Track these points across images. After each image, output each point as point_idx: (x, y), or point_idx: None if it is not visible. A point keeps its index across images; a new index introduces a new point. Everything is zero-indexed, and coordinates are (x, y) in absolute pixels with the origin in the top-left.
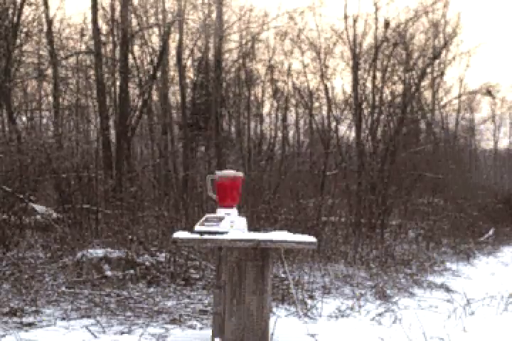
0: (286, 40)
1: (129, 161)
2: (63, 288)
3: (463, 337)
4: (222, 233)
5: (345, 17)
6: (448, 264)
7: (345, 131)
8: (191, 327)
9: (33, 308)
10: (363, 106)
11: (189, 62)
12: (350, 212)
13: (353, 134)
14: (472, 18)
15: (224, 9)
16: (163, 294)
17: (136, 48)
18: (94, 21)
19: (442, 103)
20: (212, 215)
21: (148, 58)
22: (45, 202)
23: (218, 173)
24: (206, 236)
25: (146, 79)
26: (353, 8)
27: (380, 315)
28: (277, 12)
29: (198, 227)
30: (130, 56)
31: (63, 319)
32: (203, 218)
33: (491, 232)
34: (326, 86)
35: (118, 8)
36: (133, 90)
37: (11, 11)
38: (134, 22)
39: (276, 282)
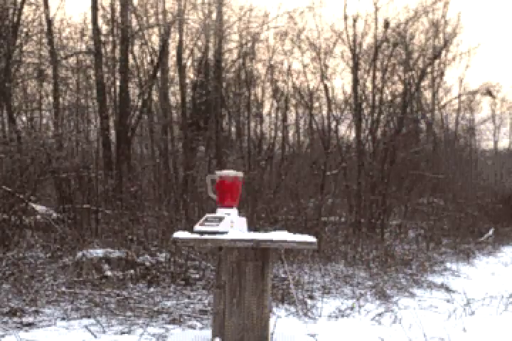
0: (286, 40)
1: (129, 161)
2: (63, 288)
3: (463, 337)
4: (222, 233)
5: (345, 17)
6: (448, 264)
7: (345, 131)
8: (191, 327)
9: (33, 308)
10: (363, 106)
11: (189, 62)
12: (350, 212)
13: (353, 134)
14: (472, 18)
15: (224, 9)
16: (163, 294)
17: (136, 48)
18: (94, 21)
19: (442, 103)
20: (212, 215)
21: (148, 58)
22: (45, 202)
23: (218, 173)
24: (206, 236)
25: (146, 79)
26: (353, 8)
27: (380, 315)
28: (277, 12)
29: (197, 227)
30: (130, 56)
31: (63, 319)
32: (203, 218)
33: (490, 232)
34: (326, 86)
35: (118, 8)
36: (133, 90)
37: (11, 11)
38: (134, 22)
39: (276, 282)
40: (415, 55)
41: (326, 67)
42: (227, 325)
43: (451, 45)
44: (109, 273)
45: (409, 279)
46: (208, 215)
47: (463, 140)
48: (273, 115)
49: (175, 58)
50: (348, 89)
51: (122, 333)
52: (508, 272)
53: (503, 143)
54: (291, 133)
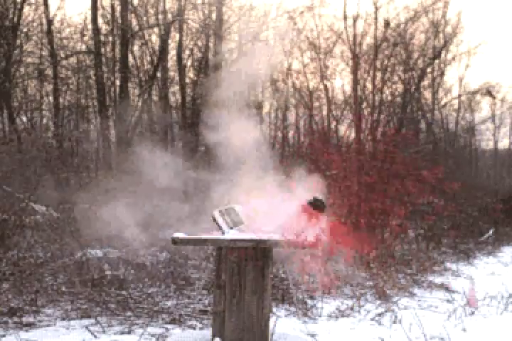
0: (286, 40)
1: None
2: (63, 288)
3: (463, 337)
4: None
5: (345, 17)
6: (448, 264)
7: (345, 131)
8: (191, 327)
9: (33, 308)
10: (363, 106)
11: (189, 62)
12: (350, 212)
13: (353, 134)
14: (472, 18)
15: (224, 9)
16: (163, 294)
17: (136, 48)
18: (94, 21)
19: (442, 103)
20: (236, 212)
21: (148, 58)
22: (45, 202)
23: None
24: (206, 236)
25: (146, 79)
26: (353, 8)
27: (380, 315)
28: (277, 12)
29: (216, 213)
30: (130, 56)
31: (63, 319)
32: (228, 207)
33: (490, 232)
34: (326, 86)
35: (118, 8)
36: (133, 90)
37: (11, 11)
38: (134, 22)
39: (276, 282)
40: (415, 55)
41: (326, 67)
42: (227, 325)
43: (451, 45)
44: (109, 273)
45: (409, 279)
46: (234, 208)
47: (463, 140)
48: (273, 115)
49: (175, 58)
50: (348, 89)
51: (122, 333)
52: (508, 272)
53: (503, 143)
54: (291, 133)
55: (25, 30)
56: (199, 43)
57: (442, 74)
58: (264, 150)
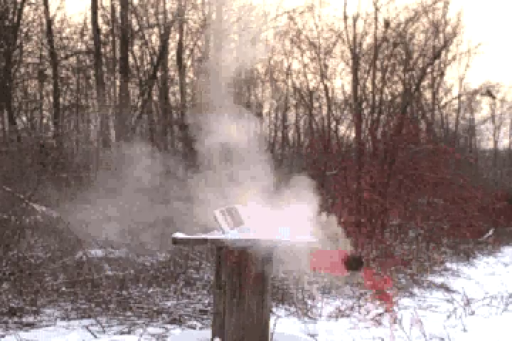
0: (286, 40)
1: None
2: (63, 288)
3: (463, 337)
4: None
5: (345, 17)
6: (448, 264)
7: (345, 131)
8: (191, 327)
9: (33, 308)
10: (363, 106)
11: (189, 62)
12: (350, 212)
13: (353, 134)
14: (472, 18)
15: (224, 9)
16: (163, 294)
17: (136, 48)
18: (94, 21)
19: (442, 103)
20: (237, 211)
21: (148, 58)
22: (45, 202)
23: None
24: (206, 236)
25: (146, 79)
26: (353, 8)
27: (380, 315)
28: (277, 12)
29: (217, 213)
30: (130, 56)
31: (63, 319)
32: (231, 207)
33: (490, 232)
34: (326, 86)
35: (118, 8)
36: (133, 90)
37: (11, 11)
38: (134, 22)
39: (276, 282)
40: (415, 55)
41: (326, 67)
42: (227, 325)
43: (451, 45)
44: (109, 273)
45: (409, 279)
46: (235, 208)
47: (463, 140)
48: (273, 115)
49: (175, 58)
50: (348, 89)
51: (122, 333)
52: (508, 272)
53: (503, 143)
54: (291, 133)
55: (25, 30)
56: (199, 43)
57: (442, 74)
58: (263, 151)
